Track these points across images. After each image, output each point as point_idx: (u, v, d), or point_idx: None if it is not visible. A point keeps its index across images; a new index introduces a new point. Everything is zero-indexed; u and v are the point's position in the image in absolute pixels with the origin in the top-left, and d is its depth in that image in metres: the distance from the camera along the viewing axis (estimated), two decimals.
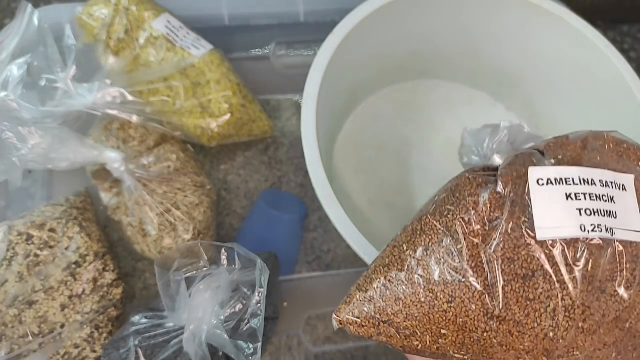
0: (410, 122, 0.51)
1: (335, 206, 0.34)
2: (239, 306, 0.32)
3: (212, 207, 0.42)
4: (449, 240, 0.20)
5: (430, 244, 0.21)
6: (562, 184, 0.20)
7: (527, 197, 0.20)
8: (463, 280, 0.20)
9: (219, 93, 0.42)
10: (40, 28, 0.37)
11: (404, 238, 0.22)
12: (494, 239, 0.20)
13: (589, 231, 0.20)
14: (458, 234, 0.20)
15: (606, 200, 0.20)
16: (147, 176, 0.40)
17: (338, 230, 0.33)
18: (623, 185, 0.21)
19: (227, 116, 0.42)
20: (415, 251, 0.21)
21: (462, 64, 0.50)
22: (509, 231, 0.20)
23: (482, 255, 0.20)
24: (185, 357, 0.30)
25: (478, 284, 0.20)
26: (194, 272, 0.33)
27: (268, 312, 0.32)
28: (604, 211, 0.20)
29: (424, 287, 0.20)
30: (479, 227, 0.20)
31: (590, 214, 0.20)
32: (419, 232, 0.22)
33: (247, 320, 0.31)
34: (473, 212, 0.20)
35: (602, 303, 0.19)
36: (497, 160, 0.24)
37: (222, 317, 0.31)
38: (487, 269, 0.20)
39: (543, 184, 0.20)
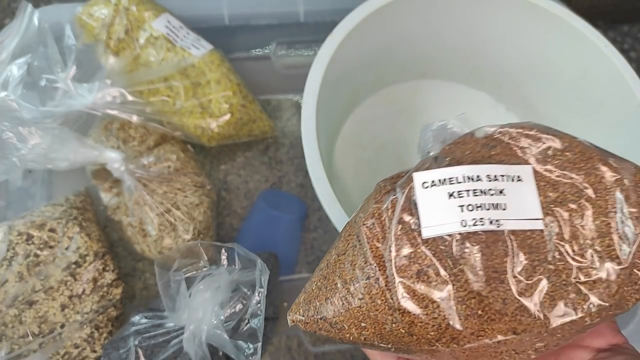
0: (410, 123, 0.51)
1: (335, 206, 0.34)
2: (239, 306, 0.32)
3: (212, 207, 0.42)
4: (358, 244, 0.23)
5: (346, 248, 0.23)
6: (446, 184, 0.22)
7: (415, 200, 0.22)
8: (369, 279, 0.22)
9: (219, 93, 0.42)
10: (40, 28, 0.37)
11: (335, 244, 0.25)
12: (390, 240, 0.21)
13: (469, 225, 0.21)
14: (363, 238, 0.22)
15: (493, 194, 0.21)
16: (147, 176, 0.40)
17: (338, 230, 0.33)
18: (518, 176, 0.22)
19: (227, 116, 0.42)
20: (338, 255, 0.24)
21: (462, 64, 0.50)
22: (399, 233, 0.21)
23: (384, 256, 0.22)
24: (185, 357, 0.30)
25: (381, 281, 0.21)
26: (194, 272, 0.33)
27: (268, 312, 0.32)
28: (488, 205, 0.21)
29: (342, 286, 0.23)
30: (379, 230, 0.22)
31: (473, 209, 0.21)
32: (342, 238, 0.24)
33: (247, 320, 0.31)
34: (376, 218, 0.22)
35: (500, 292, 0.20)
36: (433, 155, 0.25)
37: (222, 317, 0.31)
38: (387, 267, 0.21)
39: (428, 187, 0.22)
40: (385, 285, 0.21)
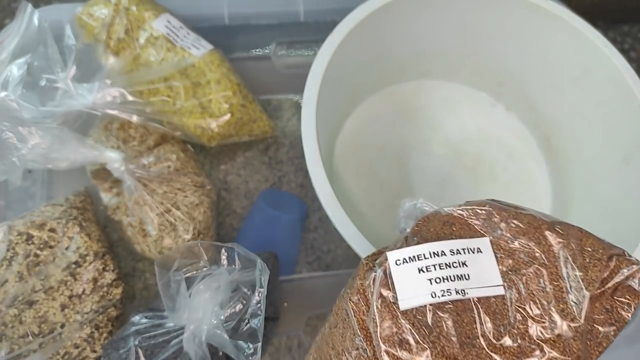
0: (411, 123, 0.51)
1: (336, 206, 0.34)
2: (239, 306, 0.32)
3: (212, 207, 0.42)
4: (347, 318, 0.25)
5: (337, 321, 0.26)
6: (415, 260, 0.24)
7: (391, 276, 0.24)
8: (358, 350, 0.24)
9: (219, 93, 0.42)
10: (40, 28, 0.37)
11: (328, 317, 0.27)
12: (374, 313, 0.24)
13: (439, 296, 0.23)
14: (350, 312, 0.25)
15: (457, 266, 0.24)
16: (147, 176, 0.40)
17: (338, 230, 0.33)
18: (478, 248, 0.24)
19: (227, 116, 0.42)
20: (330, 328, 0.26)
21: (462, 64, 0.50)
22: (380, 307, 0.24)
23: (370, 328, 0.24)
24: (185, 357, 0.30)
25: (368, 351, 0.24)
26: (194, 272, 0.33)
27: (268, 312, 0.32)
28: (454, 276, 0.24)
29: (335, 357, 0.25)
30: (364, 304, 0.24)
31: (440, 281, 0.24)
32: (333, 312, 0.27)
33: (247, 320, 0.31)
34: (361, 293, 0.25)
35: (474, 355, 0.23)
36: (407, 231, 0.28)
37: (222, 317, 0.31)
38: (373, 338, 0.23)
39: (400, 264, 0.24)
40: (373, 355, 0.24)
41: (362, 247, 0.33)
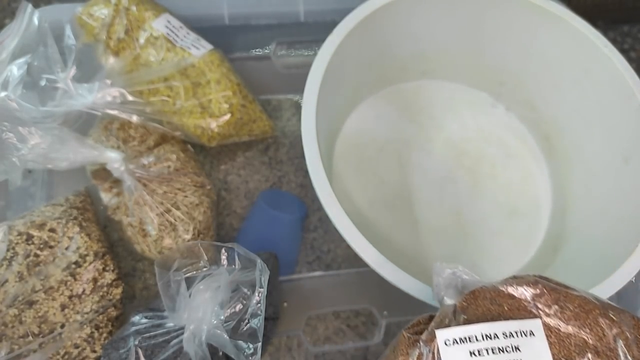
0: (411, 123, 0.51)
1: (336, 206, 0.34)
2: (239, 306, 0.32)
3: (212, 207, 0.42)
4: None
5: None
6: (467, 342, 0.23)
7: (439, 358, 0.23)
8: None
9: (219, 93, 0.42)
10: (40, 28, 0.37)
11: None
12: None
13: None
14: None
15: (509, 351, 0.23)
16: (147, 176, 0.40)
17: (338, 230, 0.33)
18: (531, 331, 0.23)
19: (227, 116, 0.42)
20: None
21: (462, 64, 0.50)
22: None
23: None
24: (185, 357, 0.30)
25: None
26: (194, 272, 0.33)
27: (268, 312, 0.32)
28: None
29: None
30: None
31: None
32: None
33: (247, 320, 0.31)
34: None
35: None
36: (448, 302, 0.26)
37: (222, 317, 0.31)
38: None
39: (450, 344, 0.23)
40: None
41: (362, 247, 0.33)
